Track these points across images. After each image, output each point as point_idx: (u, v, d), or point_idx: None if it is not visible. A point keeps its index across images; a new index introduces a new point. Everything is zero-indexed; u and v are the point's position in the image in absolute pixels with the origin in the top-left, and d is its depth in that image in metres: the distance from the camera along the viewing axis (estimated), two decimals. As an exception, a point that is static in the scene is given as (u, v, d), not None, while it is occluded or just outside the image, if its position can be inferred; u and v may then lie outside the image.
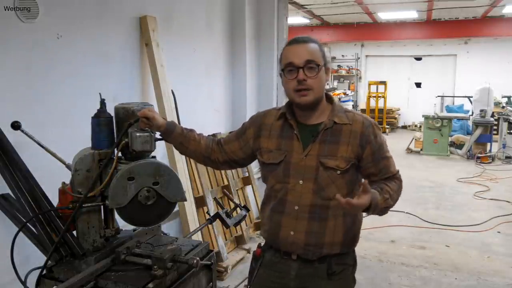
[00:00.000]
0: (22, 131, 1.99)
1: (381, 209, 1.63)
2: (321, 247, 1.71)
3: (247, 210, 2.41)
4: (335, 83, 14.34)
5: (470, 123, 10.17)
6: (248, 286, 1.90)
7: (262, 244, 1.89)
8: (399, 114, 14.21)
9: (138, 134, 1.74)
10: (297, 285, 1.76)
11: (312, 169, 1.68)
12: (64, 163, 1.98)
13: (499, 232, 5.07)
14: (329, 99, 1.79)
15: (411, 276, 3.94)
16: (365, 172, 1.74)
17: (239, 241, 4.38)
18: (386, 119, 13.19)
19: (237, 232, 4.34)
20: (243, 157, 1.90)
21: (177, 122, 3.50)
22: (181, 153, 1.98)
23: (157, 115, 1.78)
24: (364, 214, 1.66)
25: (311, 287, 1.75)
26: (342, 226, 1.72)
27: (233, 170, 4.55)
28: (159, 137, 1.89)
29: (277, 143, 1.76)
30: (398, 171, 1.79)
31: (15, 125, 1.99)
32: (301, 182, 1.69)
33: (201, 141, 1.90)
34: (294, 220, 1.70)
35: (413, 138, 10.29)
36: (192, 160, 3.88)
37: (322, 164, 1.66)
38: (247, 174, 4.72)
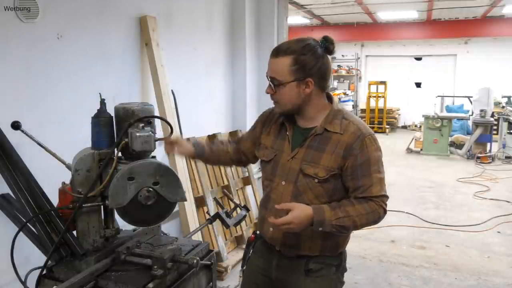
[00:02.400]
0: (22, 131, 1.99)
1: (332, 225, 1.58)
2: (298, 248, 1.74)
3: (247, 210, 2.41)
4: (335, 83, 14.34)
5: (470, 123, 10.18)
6: (243, 269, 2.01)
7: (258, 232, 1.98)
8: (399, 114, 14.21)
9: (138, 134, 1.74)
10: (278, 275, 1.81)
11: (295, 172, 1.70)
12: (64, 163, 1.98)
13: (499, 232, 5.07)
14: (330, 100, 1.76)
15: (411, 276, 3.94)
16: (344, 185, 1.68)
17: (239, 241, 4.38)
18: (386, 119, 13.19)
19: (237, 232, 4.34)
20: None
21: (178, 128, 3.52)
22: (212, 164, 2.07)
23: (184, 143, 1.85)
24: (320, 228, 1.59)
25: (291, 280, 1.79)
26: (320, 232, 1.65)
27: (233, 170, 4.56)
28: (160, 137, 1.90)
29: (273, 141, 1.81)
30: (382, 196, 1.63)
31: (15, 125, 1.98)
32: (283, 183, 1.73)
33: (228, 149, 2.01)
34: (274, 217, 1.72)
35: (413, 138, 10.29)
36: (192, 160, 3.88)
37: (302, 170, 1.68)
38: (247, 174, 4.72)
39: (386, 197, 1.66)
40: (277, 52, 1.64)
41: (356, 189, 1.64)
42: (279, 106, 1.72)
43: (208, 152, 1.94)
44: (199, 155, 1.93)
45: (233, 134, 4.66)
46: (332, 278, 1.78)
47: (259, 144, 1.88)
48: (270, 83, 1.67)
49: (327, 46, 1.65)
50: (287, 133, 1.76)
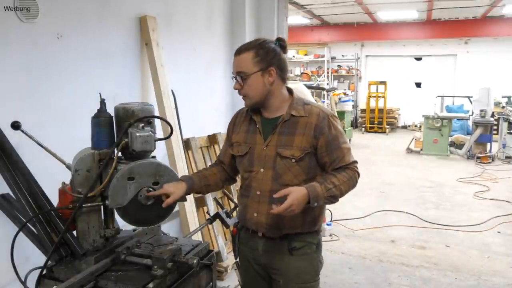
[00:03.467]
0: (22, 131, 1.99)
1: (325, 197, 1.75)
2: (281, 227, 1.86)
3: (247, 210, 2.41)
4: (335, 83, 14.34)
5: (470, 123, 10.18)
6: (237, 261, 2.12)
7: (238, 224, 2.09)
8: (399, 114, 14.21)
9: (138, 134, 1.74)
10: (265, 260, 1.95)
11: (271, 158, 1.85)
12: (64, 163, 1.98)
13: (499, 232, 5.07)
14: (290, 93, 1.93)
15: (411, 276, 3.94)
16: (320, 161, 1.85)
17: (239, 241, 4.37)
18: (386, 119, 13.19)
19: (237, 232, 4.34)
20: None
21: (178, 128, 3.51)
22: (207, 192, 2.13)
23: (173, 187, 1.81)
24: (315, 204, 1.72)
25: (277, 263, 1.92)
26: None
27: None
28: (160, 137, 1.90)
29: (245, 137, 1.95)
30: (353, 162, 1.86)
31: (15, 125, 1.98)
32: (262, 170, 1.87)
33: (214, 171, 2.07)
34: (257, 203, 1.89)
35: (413, 138, 10.29)
36: (192, 160, 3.88)
37: (278, 154, 1.83)
38: (247, 174, 4.71)
39: (357, 162, 1.89)
40: (239, 51, 1.84)
41: (332, 162, 1.84)
42: (248, 99, 1.86)
43: (197, 182, 1.96)
44: (190, 188, 1.91)
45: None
46: (314, 257, 1.94)
47: (231, 144, 2.00)
48: (238, 78, 1.83)
49: (281, 44, 1.88)
50: (257, 125, 1.90)
